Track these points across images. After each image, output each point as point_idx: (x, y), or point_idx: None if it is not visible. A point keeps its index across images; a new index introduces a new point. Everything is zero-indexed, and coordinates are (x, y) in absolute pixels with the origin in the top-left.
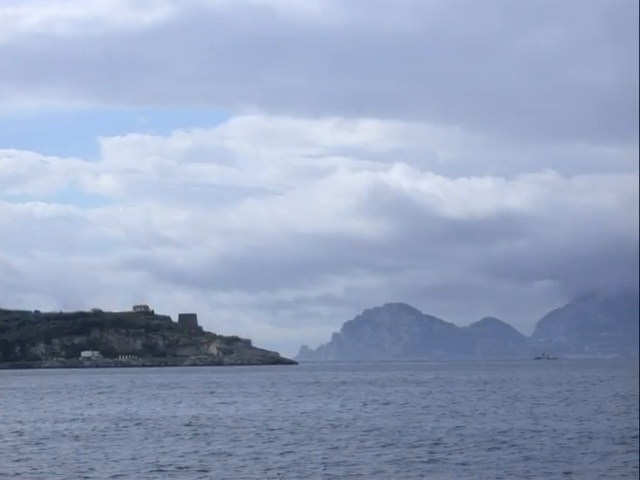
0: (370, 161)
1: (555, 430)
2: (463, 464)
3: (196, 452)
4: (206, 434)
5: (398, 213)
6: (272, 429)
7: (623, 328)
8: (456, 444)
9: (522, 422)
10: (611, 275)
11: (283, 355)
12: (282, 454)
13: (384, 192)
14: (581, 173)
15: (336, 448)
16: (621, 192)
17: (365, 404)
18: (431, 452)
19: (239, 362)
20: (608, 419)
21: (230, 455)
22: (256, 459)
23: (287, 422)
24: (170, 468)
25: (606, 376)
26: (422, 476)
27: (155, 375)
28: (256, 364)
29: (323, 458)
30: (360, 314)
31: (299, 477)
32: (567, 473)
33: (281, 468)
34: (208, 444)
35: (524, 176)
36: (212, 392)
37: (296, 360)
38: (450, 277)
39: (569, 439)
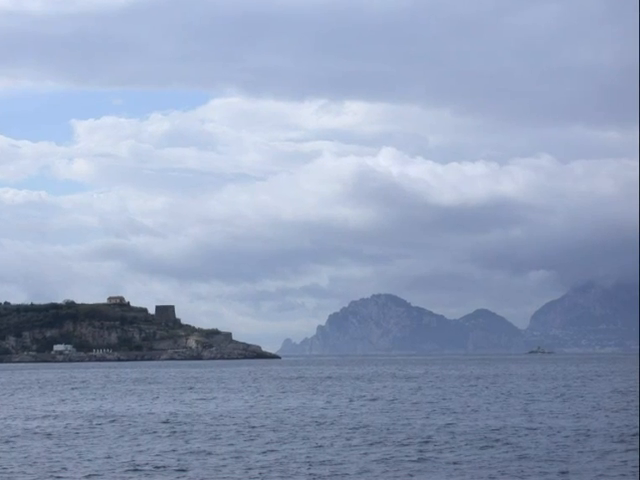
0: (357, 145)
1: (551, 428)
2: (454, 463)
3: (174, 451)
4: (184, 432)
5: (386, 200)
6: (254, 426)
7: (622, 320)
8: (447, 442)
9: (516, 419)
10: (610, 265)
11: (265, 349)
12: (264, 453)
13: (371, 178)
14: (578, 158)
15: (321, 446)
16: (620, 178)
17: (351, 400)
18: (421, 451)
19: (219, 356)
20: (606, 416)
21: (210, 454)
22: (237, 458)
23: (269, 419)
24: (147, 467)
25: (604, 371)
26: (411, 476)
27: (131, 370)
28: (237, 358)
29: (307, 457)
30: (346, 306)
31: (282, 477)
32: (563, 473)
33: (263, 468)
34: (186, 442)
35: (518, 161)
36: (191, 388)
37: (279, 354)
38: (441, 267)
39: (565, 437)
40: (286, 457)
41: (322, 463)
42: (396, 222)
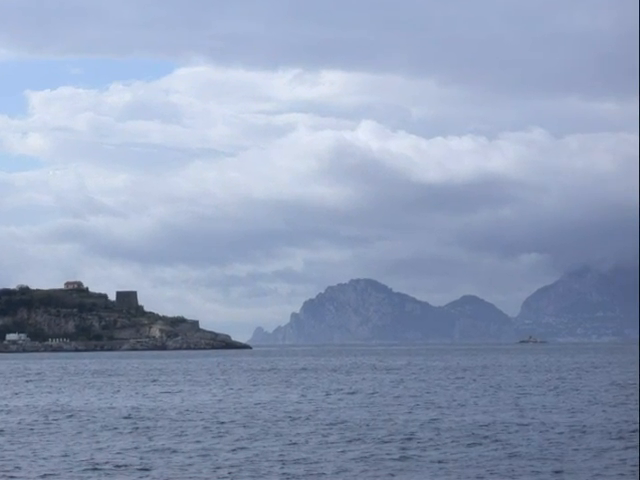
0: (334, 118)
1: (543, 423)
2: (439, 462)
3: (136, 448)
4: (147, 428)
5: (365, 177)
6: (222, 422)
7: (620, 308)
8: (431, 439)
9: (506, 414)
10: (607, 248)
11: (235, 338)
12: (234, 450)
13: (350, 153)
14: (573, 132)
15: (295, 444)
16: (619, 153)
17: (328, 394)
18: (403, 448)
19: (185, 346)
20: (604, 411)
21: (175, 452)
22: (204, 456)
23: (239, 414)
24: (107, 466)
25: (601, 362)
26: (393, 475)
27: (90, 361)
28: (204, 348)
29: (280, 455)
30: (322, 292)
31: (253, 477)
32: (557, 472)
33: (233, 466)
34: (150, 439)
35: (509, 135)
36: (154, 380)
37: (250, 344)
38: (424, 250)
39: (559, 434)
40: (257, 455)
41: (296, 462)
42: (376, 201)
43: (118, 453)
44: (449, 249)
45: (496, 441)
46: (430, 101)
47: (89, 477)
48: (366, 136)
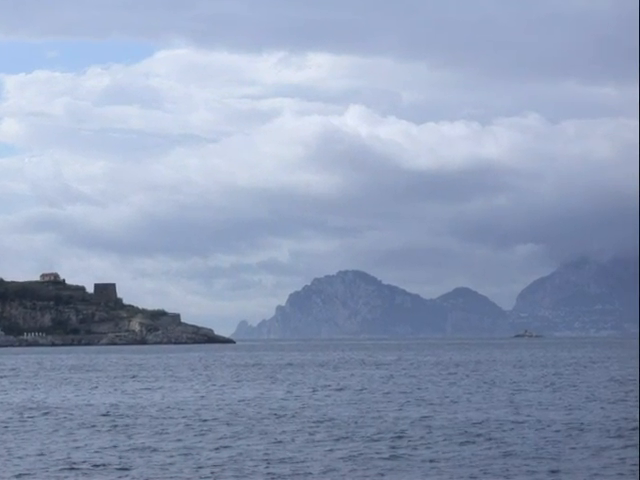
0: (321, 103)
1: (539, 421)
2: (431, 461)
3: (115, 447)
4: (127, 426)
5: (354, 164)
6: (205, 420)
7: (620, 300)
8: (422, 437)
9: (501, 411)
10: (606, 238)
11: (218, 332)
12: (217, 449)
13: (337, 139)
14: (570, 117)
15: (281, 442)
16: (617, 139)
17: (315, 390)
18: (393, 447)
19: (166, 340)
20: (602, 408)
21: (155, 450)
22: (186, 455)
23: (222, 411)
24: (84, 466)
25: (600, 357)
26: (382, 475)
27: (66, 356)
28: (186, 343)
29: (265, 454)
30: (309, 284)
31: (237, 477)
32: (554, 471)
33: (216, 466)
34: (129, 437)
35: (503, 121)
36: (134, 376)
37: (233, 338)
38: (416, 240)
39: (556, 432)
40: (241, 454)
41: (282, 461)
42: (365, 189)
43: (96, 452)
44: (441, 239)
45: (490, 439)
46: (421, 85)
47: (66, 477)
48: (354, 121)
